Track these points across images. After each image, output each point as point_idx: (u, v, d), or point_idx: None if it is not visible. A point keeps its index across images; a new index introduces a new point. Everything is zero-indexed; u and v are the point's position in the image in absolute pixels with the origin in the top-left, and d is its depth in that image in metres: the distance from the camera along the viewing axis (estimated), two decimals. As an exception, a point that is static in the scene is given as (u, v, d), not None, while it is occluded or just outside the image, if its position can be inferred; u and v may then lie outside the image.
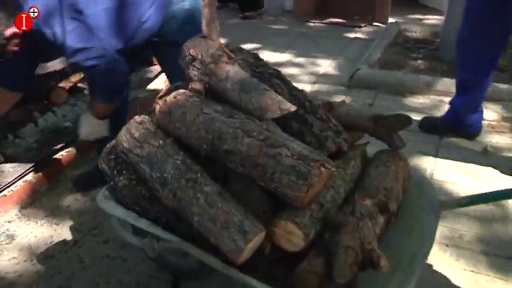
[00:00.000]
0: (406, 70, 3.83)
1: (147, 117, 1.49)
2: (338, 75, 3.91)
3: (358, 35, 4.85)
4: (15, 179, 2.70)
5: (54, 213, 2.60)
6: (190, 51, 1.48)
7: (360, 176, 1.62)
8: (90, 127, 2.29)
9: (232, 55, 1.50)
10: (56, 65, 3.21)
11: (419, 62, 4.00)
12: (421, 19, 5.30)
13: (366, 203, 1.44)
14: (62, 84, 3.34)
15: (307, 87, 3.74)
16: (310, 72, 4.03)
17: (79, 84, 3.40)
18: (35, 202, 2.70)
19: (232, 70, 1.43)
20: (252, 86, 1.40)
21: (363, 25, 5.14)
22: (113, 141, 1.51)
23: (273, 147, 1.27)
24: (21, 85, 2.38)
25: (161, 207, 1.42)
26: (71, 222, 2.53)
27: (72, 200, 2.70)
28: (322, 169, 1.24)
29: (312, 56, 4.35)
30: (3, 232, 2.49)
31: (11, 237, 2.45)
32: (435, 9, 5.48)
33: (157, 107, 1.49)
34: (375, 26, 5.09)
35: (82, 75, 3.48)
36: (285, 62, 4.29)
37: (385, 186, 1.52)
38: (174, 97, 1.42)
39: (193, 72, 1.48)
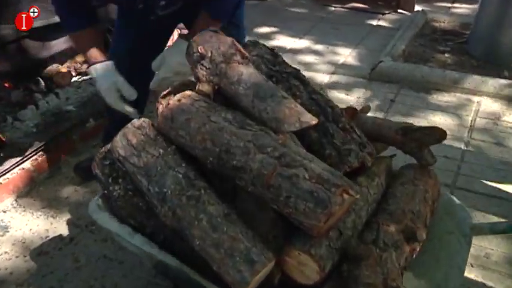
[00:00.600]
0: (432, 64, 3.63)
1: (147, 120, 1.33)
2: (358, 66, 3.72)
3: (381, 23, 4.64)
4: (12, 166, 2.57)
5: (52, 204, 2.47)
6: (199, 48, 1.31)
7: (383, 193, 1.46)
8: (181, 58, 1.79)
9: (247, 54, 1.33)
10: (60, 44, 3.07)
11: (447, 55, 3.79)
12: (449, 7, 5.07)
13: (390, 230, 1.28)
14: (66, 65, 3.20)
15: (325, 78, 3.57)
16: (328, 61, 3.84)
17: (84, 66, 3.25)
18: (32, 191, 2.57)
19: (246, 72, 1.27)
20: (267, 93, 1.23)
21: (386, 12, 4.91)
22: (108, 145, 1.35)
23: (289, 167, 1.11)
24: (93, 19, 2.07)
25: (159, 222, 1.27)
26: (68, 216, 2.40)
27: (71, 190, 2.57)
28: (345, 196, 1.08)
29: (331, 44, 4.15)
30: (-3, 223, 2.38)
31: (5, 228, 2.33)
32: (465, -3, 5.24)
33: (160, 107, 1.33)
34: (400, 13, 4.86)
35: (88, 56, 3.34)
36: (302, 49, 4.10)
37: (412, 209, 1.36)
38: (178, 100, 1.26)
39: (202, 72, 1.31)
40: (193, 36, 1.81)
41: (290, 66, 1.58)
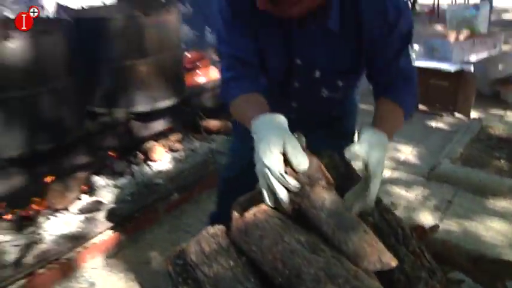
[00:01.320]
0: (488, 169, 3.29)
1: (221, 228, 1.16)
2: (418, 165, 3.45)
3: (440, 125, 4.35)
4: (106, 228, 2.50)
5: (133, 268, 2.36)
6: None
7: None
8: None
9: (332, 180, 1.14)
10: (158, 126, 3.07)
11: (502, 162, 3.44)
12: (502, 116, 4.70)
13: None
14: (161, 143, 3.16)
15: (387, 173, 3.32)
16: (391, 157, 3.60)
17: (176, 145, 3.20)
18: (119, 253, 2.47)
19: (329, 199, 1.08)
20: (349, 224, 1.03)
21: (444, 114, 4.63)
22: (184, 245, 1.19)
23: (360, 304, 0.90)
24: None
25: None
26: (145, 282, 2.27)
27: (151, 257, 2.45)
28: None
29: (394, 141, 3.89)
30: (87, 279, 2.29)
31: (92, 285, 2.26)
32: (517, 106, 4.86)
33: (235, 215, 1.16)
34: (457, 117, 4.56)
35: (181, 136, 3.31)
36: (367, 144, 3.88)
37: None
38: (254, 214, 1.10)
39: (285, 190, 1.14)
40: (380, 124, 1.31)
41: (362, 182, 1.39)
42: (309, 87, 1.52)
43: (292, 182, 1.08)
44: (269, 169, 1.08)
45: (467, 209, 2.83)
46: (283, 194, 1.08)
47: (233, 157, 1.91)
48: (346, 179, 1.35)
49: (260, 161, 1.10)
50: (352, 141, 1.81)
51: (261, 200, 1.16)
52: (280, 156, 1.09)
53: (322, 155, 1.37)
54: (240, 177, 1.49)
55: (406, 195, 3.00)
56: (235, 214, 1.15)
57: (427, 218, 2.75)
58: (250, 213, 1.10)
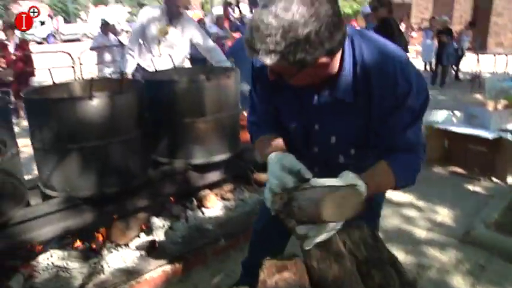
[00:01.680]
0: (524, 238, 2.99)
1: (246, 291, 1.10)
2: (453, 227, 3.19)
3: (477, 189, 4.05)
4: (157, 266, 2.48)
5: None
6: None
7: None
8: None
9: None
10: (213, 176, 3.06)
11: (538, 231, 3.13)
12: (537, 182, 4.33)
13: None
14: (214, 192, 3.15)
15: (422, 233, 3.10)
16: (427, 217, 3.37)
17: (228, 194, 3.17)
18: (166, 290, 2.43)
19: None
20: None
21: (481, 178, 4.32)
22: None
23: None
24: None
25: None
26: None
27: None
28: None
29: (432, 202, 3.65)
30: (135, 310, 2.24)
31: (139, 318, 2.19)
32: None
33: (262, 276, 1.10)
34: (494, 182, 4.24)
35: (233, 186, 3.28)
36: (405, 203, 3.65)
37: None
38: (276, 282, 1.02)
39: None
40: (365, 177, 1.19)
41: (389, 252, 1.28)
42: (327, 153, 1.45)
43: (288, 178, 1.21)
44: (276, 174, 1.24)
45: (500, 275, 2.56)
46: (277, 188, 1.21)
47: (262, 208, 1.86)
48: (372, 250, 1.26)
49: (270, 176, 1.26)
50: (378, 209, 1.72)
51: (285, 267, 1.09)
52: (281, 167, 1.25)
53: (352, 226, 1.30)
54: (266, 229, 1.51)
55: (440, 257, 2.77)
56: (261, 277, 1.08)
57: (459, 282, 2.51)
58: (273, 280, 1.03)
